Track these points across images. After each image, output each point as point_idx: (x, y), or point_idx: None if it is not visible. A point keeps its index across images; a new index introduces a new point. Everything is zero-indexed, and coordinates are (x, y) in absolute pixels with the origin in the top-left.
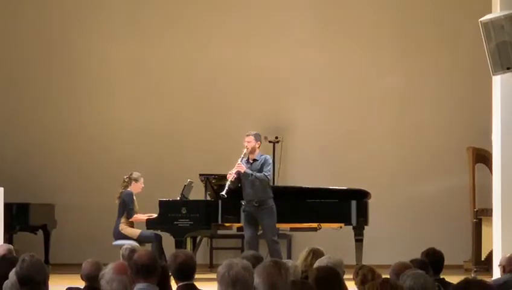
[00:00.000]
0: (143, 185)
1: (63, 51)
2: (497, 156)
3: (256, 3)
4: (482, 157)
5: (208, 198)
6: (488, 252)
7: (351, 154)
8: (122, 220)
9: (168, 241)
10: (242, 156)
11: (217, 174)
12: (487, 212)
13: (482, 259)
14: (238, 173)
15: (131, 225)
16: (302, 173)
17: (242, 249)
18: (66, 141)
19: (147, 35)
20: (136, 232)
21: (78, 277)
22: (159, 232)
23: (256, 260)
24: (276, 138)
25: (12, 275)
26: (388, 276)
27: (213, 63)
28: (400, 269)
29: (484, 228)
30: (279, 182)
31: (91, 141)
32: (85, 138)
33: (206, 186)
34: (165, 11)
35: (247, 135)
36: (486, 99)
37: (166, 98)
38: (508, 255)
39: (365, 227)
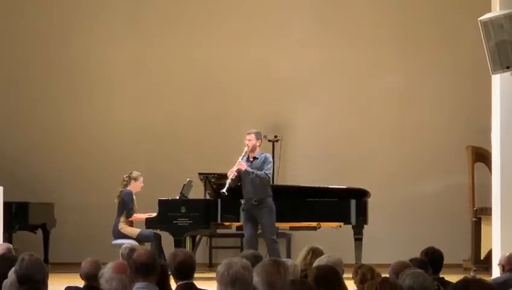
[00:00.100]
0: (142, 185)
1: (63, 51)
2: (496, 155)
3: (256, 3)
4: (482, 156)
5: (207, 197)
6: (487, 251)
7: (350, 154)
8: (122, 219)
9: (168, 241)
10: (243, 154)
11: (216, 173)
12: (486, 211)
13: (482, 258)
14: (239, 171)
15: (131, 224)
16: (301, 172)
17: (241, 248)
18: (65, 140)
19: (147, 35)
20: (135, 231)
21: (78, 276)
22: (158, 231)
23: (255, 259)
24: (276, 136)
25: (11, 274)
26: (387, 275)
27: (213, 63)
28: (400, 268)
29: (483, 227)
30: (279, 181)
31: (91, 140)
32: (85, 138)
33: (205, 186)
34: (165, 11)
35: (248, 133)
36: (485, 98)
37: (166, 97)
38: (507, 254)
39: (365, 226)
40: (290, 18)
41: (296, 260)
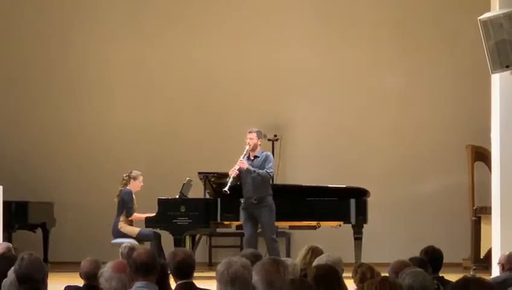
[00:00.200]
0: (142, 184)
1: (63, 51)
2: (496, 154)
3: (256, 3)
4: (481, 155)
5: (207, 196)
6: (487, 250)
7: (350, 153)
8: (122, 218)
9: (167, 240)
10: (244, 152)
11: (216, 173)
12: (486, 210)
13: (481, 257)
14: (240, 170)
15: (130, 223)
16: (301, 171)
17: (241, 247)
18: (65, 140)
19: (146, 35)
20: (135, 230)
21: (77, 275)
22: (158, 230)
23: (255, 258)
24: (275, 136)
25: (11, 273)
26: (387, 274)
27: (213, 63)
28: (399, 267)
29: (483, 226)
30: (278, 180)
31: (91, 140)
32: (85, 137)
33: (205, 185)
34: (165, 11)
35: (250, 132)
36: (485, 97)
37: (166, 97)
38: (507, 253)
39: (364, 225)
40: (290, 18)
41: (296, 259)
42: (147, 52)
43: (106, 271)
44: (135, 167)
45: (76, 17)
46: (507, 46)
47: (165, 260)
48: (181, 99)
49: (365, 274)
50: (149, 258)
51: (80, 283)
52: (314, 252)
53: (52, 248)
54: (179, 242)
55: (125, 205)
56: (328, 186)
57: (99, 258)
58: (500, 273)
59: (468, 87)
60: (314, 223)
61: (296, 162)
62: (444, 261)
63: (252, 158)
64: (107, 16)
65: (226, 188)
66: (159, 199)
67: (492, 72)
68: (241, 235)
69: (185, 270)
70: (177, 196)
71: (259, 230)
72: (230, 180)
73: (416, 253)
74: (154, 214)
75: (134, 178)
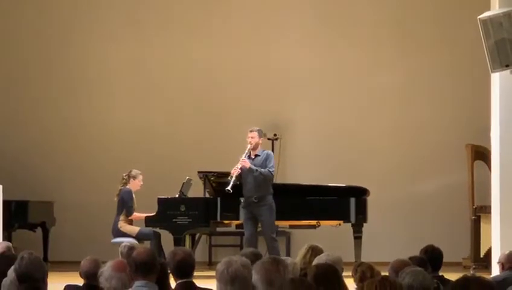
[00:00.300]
0: (142, 183)
1: (63, 51)
2: (495, 153)
3: (256, 3)
4: (481, 154)
5: (207, 195)
6: (486, 249)
7: (350, 152)
8: (121, 217)
9: (167, 239)
10: (246, 151)
11: (215, 172)
12: (486, 209)
13: (481, 256)
14: (242, 169)
15: (130, 222)
16: (300, 170)
17: (241, 247)
18: (65, 139)
19: (146, 35)
20: (134, 229)
21: (77, 274)
22: (157, 229)
23: (255, 257)
24: (275, 135)
25: (11, 272)
26: (387, 273)
27: (213, 63)
28: (399, 266)
29: (483, 225)
30: (278, 180)
31: (91, 140)
32: (84, 137)
33: (204, 184)
34: (165, 11)
35: (251, 131)
36: (485, 97)
37: (166, 97)
38: (507, 252)
39: (364, 224)
40: (290, 18)
41: (296, 258)
42: (147, 52)
43: (106, 270)
44: (135, 166)
45: (76, 17)
46: (507, 45)
47: (165, 259)
48: (181, 99)
49: (365, 273)
50: (149, 258)
51: (80, 282)
52: (314, 251)
53: (52, 247)
54: (178, 241)
55: (125, 205)
56: (327, 185)
57: (99, 257)
58: (500, 273)
59: (467, 87)
60: (314, 222)
61: (296, 161)
62: (444, 260)
63: (253, 157)
64: (107, 16)
65: (228, 187)
66: (158, 198)
67: (492, 72)
68: (241, 234)
69: (185, 269)
70: (177, 195)
71: (260, 229)
72: (232, 180)
73: (416, 252)
74: (154, 214)
75: (134, 177)
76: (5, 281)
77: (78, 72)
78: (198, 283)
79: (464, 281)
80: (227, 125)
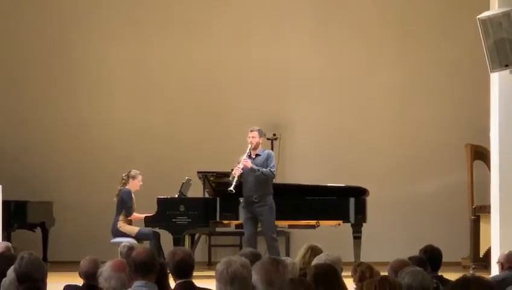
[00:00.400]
0: (141, 183)
1: (63, 51)
2: (495, 153)
3: (256, 3)
4: (480, 154)
5: (206, 195)
6: (486, 249)
7: (349, 152)
8: (121, 217)
9: (167, 239)
10: (247, 151)
11: (215, 172)
12: (485, 209)
13: (480, 256)
14: (243, 169)
15: (130, 222)
16: (300, 170)
17: (240, 247)
18: (65, 139)
19: (146, 35)
20: (134, 229)
21: (77, 274)
22: (157, 229)
23: (254, 257)
24: (274, 135)
25: (10, 272)
26: (386, 273)
27: (213, 63)
28: (398, 266)
29: (482, 225)
30: (278, 179)
31: (90, 140)
32: (84, 137)
33: (204, 184)
34: (165, 11)
35: (251, 130)
36: (484, 96)
37: (166, 97)
38: (507, 252)
39: (363, 224)
40: (290, 18)
41: (295, 259)
42: (147, 52)
43: (105, 270)
44: (135, 166)
45: (76, 17)
46: (506, 45)
47: (165, 259)
48: (181, 99)
49: (364, 273)
50: (148, 258)
51: (79, 282)
52: (314, 251)
53: (51, 247)
54: (178, 241)
55: (125, 205)
56: (327, 185)
57: (99, 257)
58: (500, 272)
59: (467, 87)
60: (313, 222)
61: (296, 161)
62: (443, 260)
63: (254, 157)
64: (107, 16)
65: (231, 188)
66: (158, 198)
67: (491, 71)
68: (241, 234)
69: (184, 269)
70: (177, 195)
71: (260, 229)
72: (235, 180)
73: (416, 252)
74: (153, 214)
75: (133, 177)
76: (5, 281)
77: (78, 72)
78: (198, 283)
79: (463, 281)
80: (227, 125)
